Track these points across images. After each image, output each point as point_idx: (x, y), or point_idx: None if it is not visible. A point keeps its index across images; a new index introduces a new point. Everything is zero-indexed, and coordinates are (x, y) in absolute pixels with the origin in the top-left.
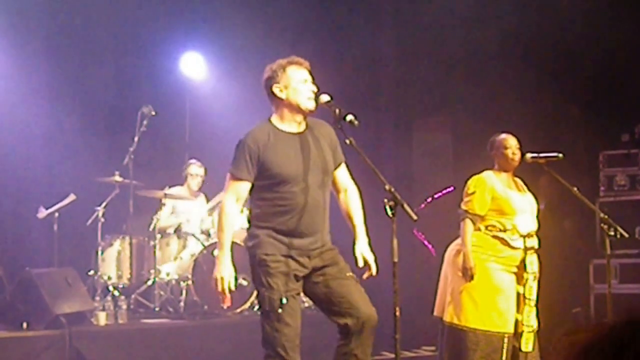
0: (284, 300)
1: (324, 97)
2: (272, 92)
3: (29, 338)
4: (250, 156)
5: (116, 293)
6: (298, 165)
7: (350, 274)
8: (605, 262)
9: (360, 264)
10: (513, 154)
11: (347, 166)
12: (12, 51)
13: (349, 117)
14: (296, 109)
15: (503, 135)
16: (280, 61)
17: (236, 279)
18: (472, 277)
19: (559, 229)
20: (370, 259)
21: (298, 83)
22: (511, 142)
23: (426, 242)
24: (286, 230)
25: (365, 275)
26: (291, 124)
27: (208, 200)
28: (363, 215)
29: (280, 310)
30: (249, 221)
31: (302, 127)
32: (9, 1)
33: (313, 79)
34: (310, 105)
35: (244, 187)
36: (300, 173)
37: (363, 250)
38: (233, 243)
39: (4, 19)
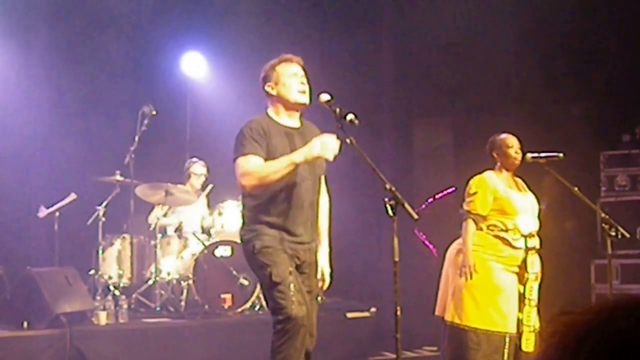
0: (291, 272)
1: (324, 97)
2: (265, 91)
3: (30, 337)
4: (259, 135)
5: (117, 292)
6: None
7: (318, 290)
8: (606, 262)
9: (319, 276)
10: (516, 152)
11: (326, 179)
12: (13, 52)
13: (350, 116)
14: (288, 103)
15: (504, 135)
16: (271, 61)
17: (237, 279)
18: (470, 276)
19: (560, 229)
20: (326, 273)
21: (287, 78)
22: (513, 141)
23: (427, 242)
24: (284, 222)
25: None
26: (286, 119)
27: (208, 200)
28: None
29: (290, 278)
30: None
31: (297, 124)
32: (10, 2)
33: (306, 74)
34: (301, 98)
35: (260, 161)
36: None
37: (323, 262)
38: (234, 243)
39: (4, 20)
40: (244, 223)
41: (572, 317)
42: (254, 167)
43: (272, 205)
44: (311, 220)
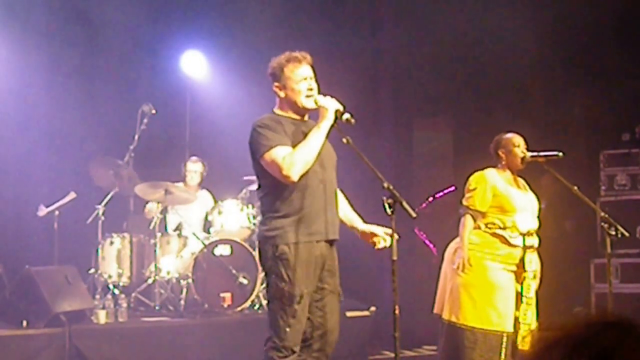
0: (303, 296)
1: (321, 97)
2: (274, 90)
3: (29, 336)
4: (275, 125)
5: (116, 291)
6: None
7: (339, 289)
8: (606, 261)
9: (382, 235)
10: (522, 152)
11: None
12: (12, 50)
13: (346, 116)
14: (295, 106)
15: (510, 134)
16: (280, 59)
17: (237, 278)
18: (464, 268)
19: (559, 229)
20: (380, 230)
21: (296, 84)
22: (519, 141)
23: (427, 241)
24: (307, 214)
25: (382, 246)
26: (293, 114)
27: (213, 196)
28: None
29: (297, 307)
30: (249, 219)
31: (306, 117)
32: (9, 1)
33: (315, 72)
34: (308, 103)
35: (289, 148)
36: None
37: (369, 227)
38: (234, 242)
39: (4, 19)
40: (263, 220)
41: (554, 334)
42: (289, 155)
43: (300, 191)
44: (333, 218)
